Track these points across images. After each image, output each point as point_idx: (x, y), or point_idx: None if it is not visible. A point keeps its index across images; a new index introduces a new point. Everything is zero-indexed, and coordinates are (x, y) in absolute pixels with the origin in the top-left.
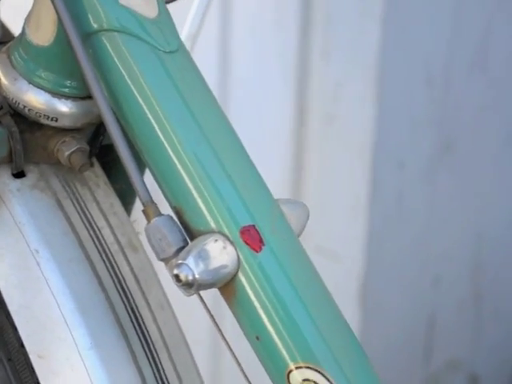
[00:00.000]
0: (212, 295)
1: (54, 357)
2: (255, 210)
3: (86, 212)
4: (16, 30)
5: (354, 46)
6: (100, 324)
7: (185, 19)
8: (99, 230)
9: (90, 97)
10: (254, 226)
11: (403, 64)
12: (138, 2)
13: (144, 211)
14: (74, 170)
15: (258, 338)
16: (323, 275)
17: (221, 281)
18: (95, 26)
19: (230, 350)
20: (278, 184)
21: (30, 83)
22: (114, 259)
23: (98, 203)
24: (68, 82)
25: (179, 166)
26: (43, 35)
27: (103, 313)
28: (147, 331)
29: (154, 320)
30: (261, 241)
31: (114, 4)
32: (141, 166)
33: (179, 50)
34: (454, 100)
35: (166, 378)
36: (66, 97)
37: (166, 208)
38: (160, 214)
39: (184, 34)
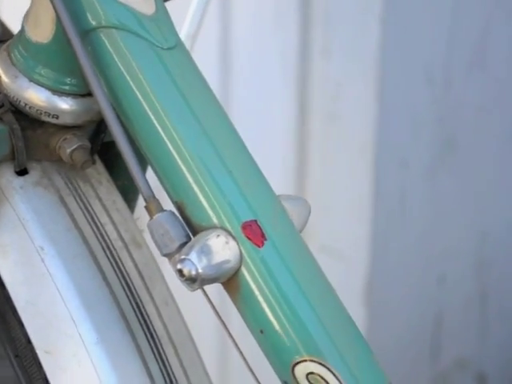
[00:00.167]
0: (217, 292)
1: (60, 352)
2: (257, 206)
3: (89, 208)
4: (15, 28)
5: (354, 44)
6: (105, 319)
7: (184, 18)
8: (102, 226)
9: (90, 94)
10: (255, 221)
11: (403, 63)
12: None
13: (146, 207)
14: (76, 167)
15: (262, 332)
16: (328, 275)
17: (224, 276)
18: (93, 23)
19: (236, 345)
20: (280, 184)
21: (30, 80)
22: (117, 255)
23: (100, 200)
24: (68, 80)
25: (180, 162)
26: (42, 33)
27: (108, 308)
28: (152, 326)
29: (159, 315)
30: (263, 236)
31: (111, 1)
32: (142, 162)
33: (177, 47)
34: (455, 98)
35: (173, 373)
36: (67, 94)
37: (167, 204)
38: (162, 210)
39: (183, 33)
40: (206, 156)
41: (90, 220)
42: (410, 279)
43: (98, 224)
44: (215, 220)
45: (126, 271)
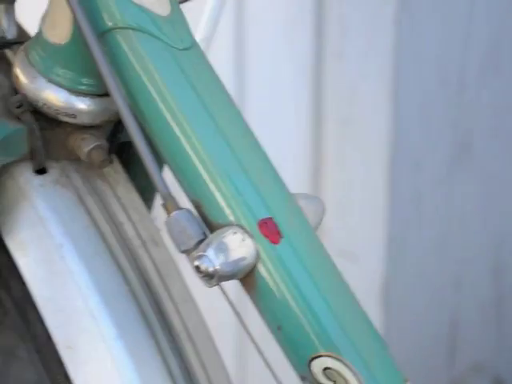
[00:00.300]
0: (235, 289)
1: (81, 347)
2: (272, 203)
3: (108, 207)
4: (32, 30)
5: (368, 47)
6: (125, 315)
7: (199, 21)
8: (121, 224)
9: (107, 94)
10: (271, 218)
11: (418, 65)
12: (151, 1)
13: (163, 205)
14: (93, 166)
15: (279, 328)
16: (345, 277)
17: (241, 272)
18: (110, 24)
19: (254, 341)
20: (295, 187)
21: (48, 81)
22: (136, 253)
23: (118, 199)
24: (85, 80)
25: (196, 161)
26: (59, 34)
27: (127, 305)
28: (171, 323)
29: (178, 312)
30: (278, 233)
31: (127, 2)
32: (159, 162)
33: (193, 48)
34: (469, 101)
35: (191, 368)
36: (84, 94)
37: (184, 203)
38: (179, 208)
39: (198, 36)
40: (222, 155)
41: (108, 218)
42: (426, 283)
43: (117, 222)
44: (232, 218)
45: (144, 268)
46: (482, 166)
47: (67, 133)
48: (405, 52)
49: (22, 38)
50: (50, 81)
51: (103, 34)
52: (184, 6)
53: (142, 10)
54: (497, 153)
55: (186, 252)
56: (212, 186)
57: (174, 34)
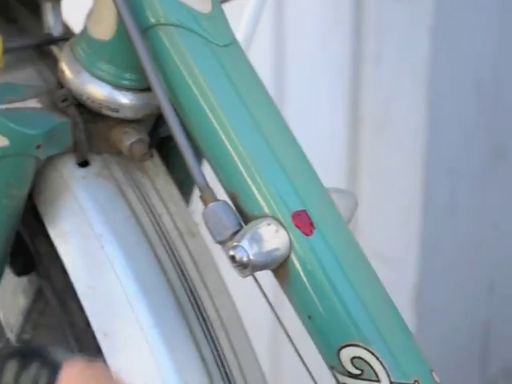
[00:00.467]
0: (271, 281)
1: (118, 334)
2: (306, 196)
3: (147, 199)
4: (77, 28)
5: (405, 53)
6: (161, 304)
7: (238, 25)
8: (159, 216)
9: (149, 89)
10: (304, 210)
11: (453, 71)
12: None
13: (201, 197)
14: (134, 159)
15: (309, 318)
16: None
17: (274, 262)
18: (153, 20)
19: (287, 333)
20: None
21: (92, 76)
22: (173, 244)
23: (157, 191)
24: (128, 75)
25: (234, 154)
26: (104, 30)
27: (164, 294)
28: (206, 312)
29: (212, 302)
30: (311, 225)
31: (170, 0)
32: (197, 156)
33: (232, 44)
34: (504, 106)
35: (224, 357)
36: (127, 89)
37: (221, 195)
38: (216, 200)
39: (238, 37)
40: (259, 149)
41: (147, 210)
42: (459, 286)
43: (155, 214)
44: (266, 209)
45: (181, 259)
46: None
47: (109, 126)
48: (440, 57)
49: (67, 35)
50: (94, 75)
51: (146, 30)
52: (225, 6)
53: (184, 7)
54: None
55: (222, 242)
56: (248, 179)
57: (214, 31)
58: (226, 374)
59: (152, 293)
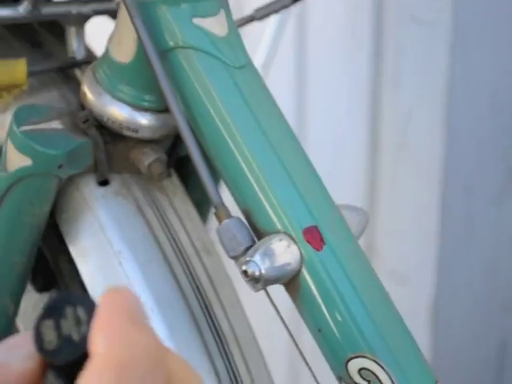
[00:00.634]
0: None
1: None
2: (317, 213)
3: (165, 217)
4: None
5: (422, 75)
6: (176, 318)
7: (258, 48)
8: (176, 233)
9: (167, 110)
10: (316, 226)
11: (470, 92)
12: (210, 22)
13: (215, 213)
14: (153, 178)
15: (319, 331)
16: (394, 298)
17: (285, 277)
18: (171, 43)
19: (303, 357)
20: None
21: (112, 97)
22: (189, 260)
23: (175, 210)
24: (147, 96)
25: (248, 172)
26: (124, 53)
27: (179, 309)
28: (219, 326)
29: (226, 317)
30: (322, 240)
31: (188, 23)
32: (215, 177)
33: (247, 66)
34: None
35: (237, 369)
36: (146, 110)
37: (236, 212)
38: (230, 216)
39: (259, 60)
40: (272, 168)
41: (164, 228)
42: (475, 305)
43: (172, 231)
44: (278, 226)
45: (196, 275)
46: None
47: (129, 147)
48: (458, 80)
49: (90, 58)
50: (115, 97)
51: (165, 53)
52: (244, 29)
53: (202, 30)
54: None
55: (236, 257)
56: (261, 197)
57: (230, 53)
58: None
59: (167, 307)
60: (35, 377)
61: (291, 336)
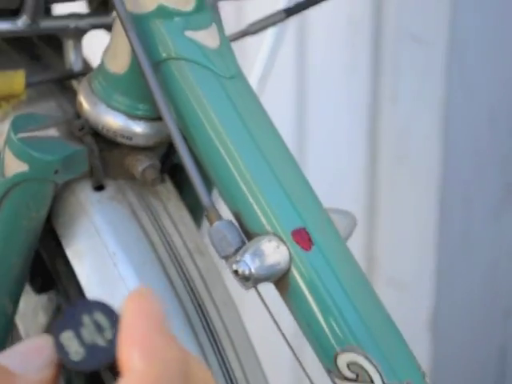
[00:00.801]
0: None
1: None
2: (305, 215)
3: (159, 221)
4: (95, 63)
5: (420, 90)
6: (170, 317)
7: (256, 61)
8: (170, 236)
9: (160, 118)
10: (304, 228)
11: (467, 106)
12: (202, 34)
13: (207, 216)
14: (147, 184)
15: (308, 326)
16: (394, 305)
17: (274, 276)
18: (164, 55)
19: (308, 377)
20: None
21: (108, 107)
22: (183, 262)
23: (169, 214)
24: (141, 105)
25: (238, 177)
26: (119, 64)
27: (173, 308)
28: (212, 324)
29: (219, 315)
30: (310, 241)
31: (180, 36)
32: (208, 183)
33: (238, 76)
34: None
35: (230, 365)
36: (140, 118)
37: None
38: (221, 218)
39: (256, 75)
40: (262, 172)
41: (158, 231)
42: (475, 312)
43: (166, 234)
44: (268, 227)
45: (189, 276)
46: None
47: (124, 154)
48: (455, 94)
49: (86, 70)
50: (110, 106)
51: (158, 64)
52: (244, 42)
53: (194, 42)
54: None
55: (226, 258)
56: (251, 200)
57: (221, 64)
58: (231, 380)
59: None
60: None
61: (289, 346)
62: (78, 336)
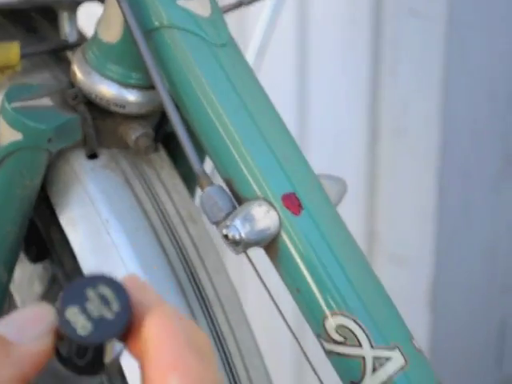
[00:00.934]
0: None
1: None
2: (295, 180)
3: (152, 189)
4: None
5: (419, 64)
6: (162, 284)
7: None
8: (163, 204)
9: (153, 87)
10: (294, 193)
11: (467, 78)
12: (194, 3)
13: (198, 182)
14: (140, 152)
15: (298, 291)
16: (394, 280)
17: (264, 240)
18: (156, 23)
19: (310, 363)
20: (351, 194)
21: (101, 76)
22: (175, 229)
23: (162, 182)
24: (134, 74)
25: (229, 143)
26: (112, 34)
27: (165, 273)
28: (203, 289)
29: (210, 281)
30: (300, 205)
31: (172, 5)
32: (201, 152)
33: (229, 44)
34: None
35: (220, 330)
36: (133, 87)
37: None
38: (212, 184)
39: (255, 45)
40: (252, 138)
41: (151, 199)
42: (475, 287)
43: (159, 202)
44: (258, 192)
45: (182, 243)
46: None
47: (117, 122)
48: (454, 66)
49: (81, 41)
50: (103, 76)
51: (150, 33)
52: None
53: (186, 11)
54: None
55: (217, 223)
56: (242, 165)
57: (213, 32)
58: (222, 346)
59: (154, 273)
60: (46, 357)
61: (290, 330)
62: (84, 311)
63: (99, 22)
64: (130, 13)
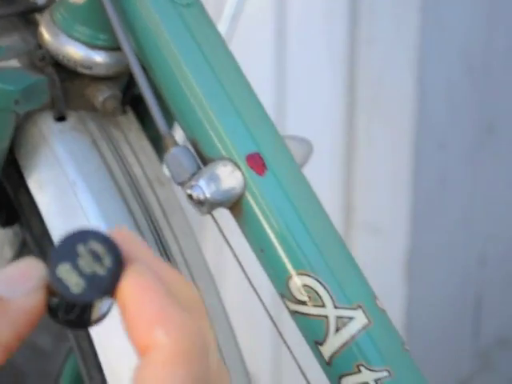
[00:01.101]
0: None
1: None
2: (260, 140)
3: (119, 151)
4: None
5: (395, 34)
6: None
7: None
8: (130, 166)
9: (120, 48)
10: (258, 153)
11: (443, 49)
12: None
13: (163, 142)
14: (107, 114)
15: (262, 251)
16: (369, 250)
17: (229, 200)
18: None
19: (289, 349)
20: (327, 163)
21: (68, 37)
22: (142, 190)
23: (130, 144)
24: (101, 35)
25: (194, 103)
26: None
27: None
28: (170, 250)
29: (177, 242)
30: (264, 166)
31: None
32: (169, 117)
33: (194, 4)
34: (494, 82)
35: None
36: (100, 48)
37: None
38: (177, 145)
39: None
40: (217, 98)
41: (118, 160)
42: (451, 258)
43: (126, 164)
44: (223, 152)
45: (148, 204)
46: (507, 146)
47: (84, 84)
48: (430, 36)
49: (50, 3)
50: (71, 37)
51: None
52: None
53: None
54: None
55: (182, 183)
56: (207, 125)
57: None
58: None
59: None
60: (38, 313)
61: (268, 314)
62: (76, 267)
63: None
64: None
